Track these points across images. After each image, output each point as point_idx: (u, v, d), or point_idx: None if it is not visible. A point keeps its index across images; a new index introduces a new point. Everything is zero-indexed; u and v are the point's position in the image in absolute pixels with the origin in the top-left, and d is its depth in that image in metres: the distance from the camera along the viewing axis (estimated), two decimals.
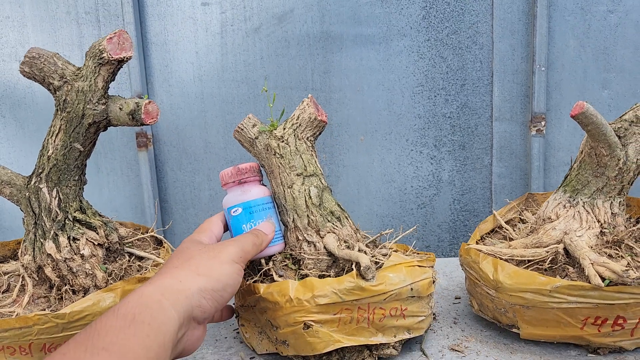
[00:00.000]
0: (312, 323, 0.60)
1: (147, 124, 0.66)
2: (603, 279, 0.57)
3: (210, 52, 1.20)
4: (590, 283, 0.57)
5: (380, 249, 0.70)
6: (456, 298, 0.82)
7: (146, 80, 1.20)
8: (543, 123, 1.11)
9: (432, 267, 0.68)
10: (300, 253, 0.67)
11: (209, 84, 1.21)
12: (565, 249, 0.64)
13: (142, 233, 0.80)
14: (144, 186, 1.21)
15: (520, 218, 0.78)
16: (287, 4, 1.17)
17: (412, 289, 0.62)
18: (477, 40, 1.13)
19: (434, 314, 0.76)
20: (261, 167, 0.71)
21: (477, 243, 0.73)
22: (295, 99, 1.20)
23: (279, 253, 0.68)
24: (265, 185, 0.67)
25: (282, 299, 0.60)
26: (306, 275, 0.65)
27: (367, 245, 0.70)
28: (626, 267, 0.62)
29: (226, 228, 0.65)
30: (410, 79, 1.17)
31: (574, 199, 0.66)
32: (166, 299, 0.46)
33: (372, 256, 0.66)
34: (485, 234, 0.77)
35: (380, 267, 0.63)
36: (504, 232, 0.76)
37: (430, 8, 1.13)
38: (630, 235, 0.64)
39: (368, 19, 1.15)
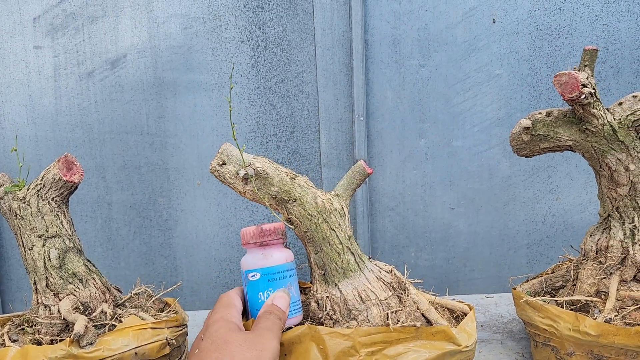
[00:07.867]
0: None
1: None
2: None
3: (43, 95, 1.19)
4: None
5: (130, 308, 0.70)
6: None
7: None
8: None
9: (179, 326, 0.68)
10: (34, 317, 0.66)
11: (43, 127, 1.19)
12: None
13: None
14: None
15: None
16: (120, 50, 1.17)
17: (136, 353, 0.62)
18: (303, 89, 1.16)
19: None
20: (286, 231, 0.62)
21: None
22: (131, 144, 1.20)
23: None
24: (289, 248, 0.61)
25: None
26: (38, 341, 0.64)
27: (117, 305, 0.70)
28: None
29: (243, 298, 0.60)
30: (242, 125, 1.19)
31: None
32: None
33: (113, 317, 0.66)
34: None
35: (111, 330, 0.63)
36: None
37: (258, 57, 1.16)
38: None
39: (200, 66, 1.17)
